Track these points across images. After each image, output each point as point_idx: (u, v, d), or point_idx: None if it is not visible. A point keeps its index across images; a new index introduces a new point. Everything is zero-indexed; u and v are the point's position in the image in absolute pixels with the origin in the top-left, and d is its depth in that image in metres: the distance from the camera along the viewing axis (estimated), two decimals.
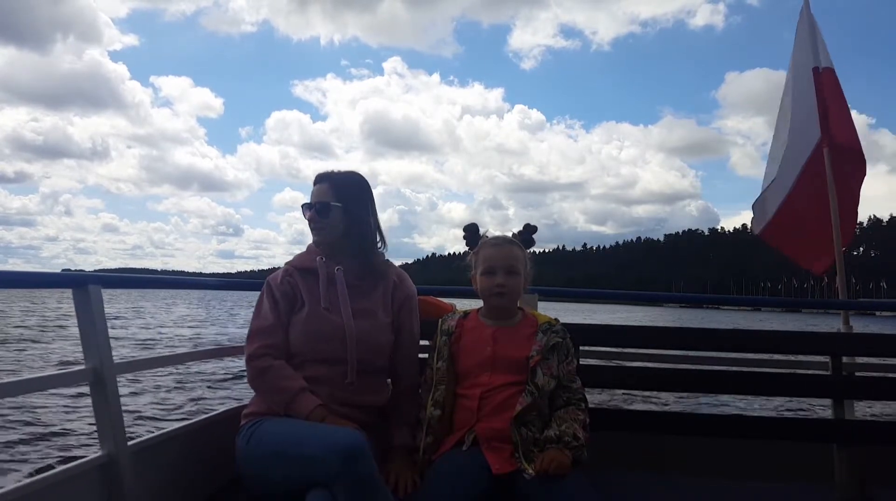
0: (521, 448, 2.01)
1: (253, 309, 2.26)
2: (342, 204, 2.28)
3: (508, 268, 2.19)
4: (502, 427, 2.04)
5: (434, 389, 2.17)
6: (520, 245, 2.26)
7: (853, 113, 4.05)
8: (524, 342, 2.17)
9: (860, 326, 3.45)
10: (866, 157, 3.94)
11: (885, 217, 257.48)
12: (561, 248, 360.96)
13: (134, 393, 9.63)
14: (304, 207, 2.34)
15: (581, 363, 2.37)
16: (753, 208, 4.25)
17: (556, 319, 2.26)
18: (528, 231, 2.29)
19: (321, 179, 2.34)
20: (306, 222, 2.34)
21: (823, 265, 4.03)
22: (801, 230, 4.01)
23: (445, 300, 2.60)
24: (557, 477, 1.90)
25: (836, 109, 3.91)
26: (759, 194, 4.21)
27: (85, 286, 2.00)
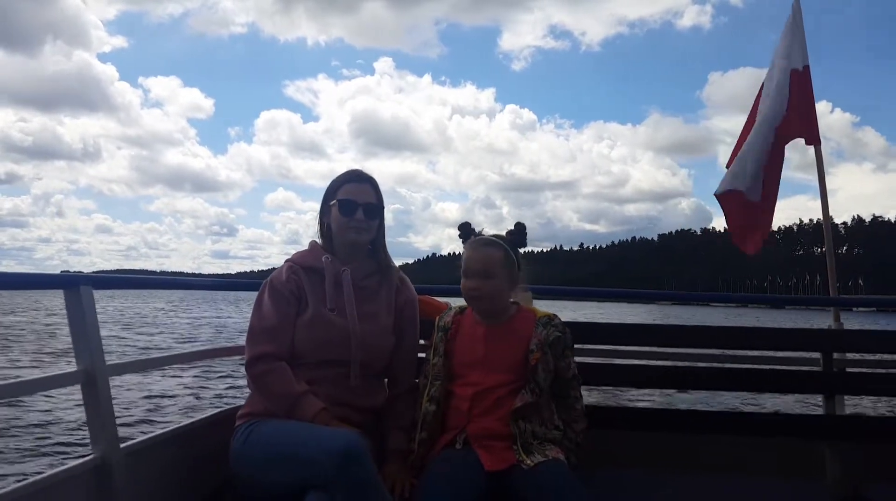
0: (519, 441, 2.02)
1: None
2: (383, 207, 2.29)
3: (482, 272, 2.15)
4: (494, 427, 2.05)
5: (430, 384, 2.17)
6: (502, 246, 2.19)
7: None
8: (518, 340, 2.16)
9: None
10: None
11: (868, 217, 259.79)
12: (559, 248, 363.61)
13: (127, 394, 9.58)
14: (346, 204, 2.21)
15: (574, 360, 2.37)
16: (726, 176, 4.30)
17: (553, 313, 2.24)
18: (519, 231, 2.26)
19: (363, 178, 2.27)
20: (340, 219, 2.21)
21: (756, 246, 4.23)
22: (754, 213, 4.16)
23: (441, 299, 2.59)
24: (550, 474, 1.92)
25: (808, 105, 4.00)
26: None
27: (76, 287, 1.98)
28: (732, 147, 4.49)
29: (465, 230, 2.28)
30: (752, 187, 4.10)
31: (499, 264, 2.16)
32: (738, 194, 4.10)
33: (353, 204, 2.21)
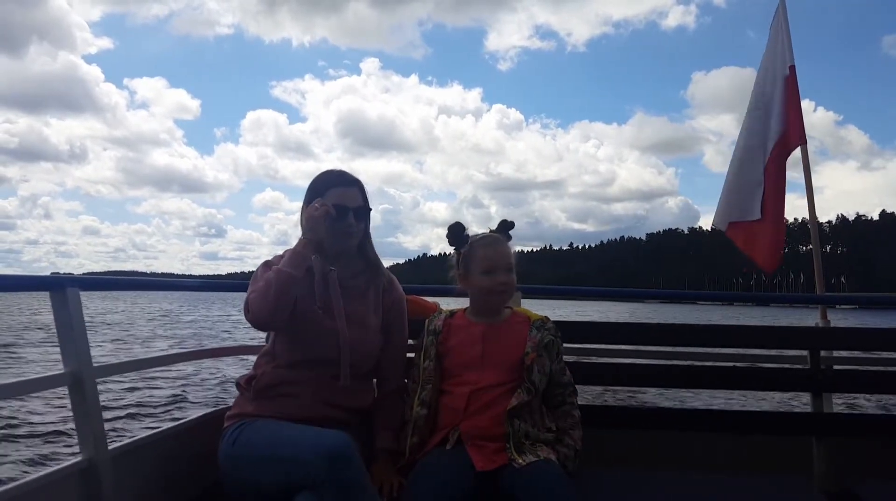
0: (512, 440, 2.03)
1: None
2: (370, 208, 2.28)
3: (508, 266, 2.21)
4: (488, 426, 2.05)
5: (421, 388, 2.17)
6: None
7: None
8: (514, 340, 2.18)
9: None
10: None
11: (852, 216, 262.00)
12: (548, 247, 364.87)
13: (115, 396, 9.51)
14: (337, 209, 2.15)
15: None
16: (719, 203, 4.40)
17: (546, 316, 2.27)
18: (506, 227, 2.28)
19: (351, 182, 2.24)
20: (326, 221, 2.12)
21: (776, 264, 4.15)
22: (762, 230, 4.15)
23: (430, 299, 2.59)
24: (541, 473, 1.92)
25: (794, 104, 4.04)
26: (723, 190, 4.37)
27: (62, 289, 1.97)
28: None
29: (458, 231, 2.28)
30: (747, 209, 4.17)
31: (515, 259, 2.25)
32: (738, 223, 4.21)
33: (345, 209, 2.20)
